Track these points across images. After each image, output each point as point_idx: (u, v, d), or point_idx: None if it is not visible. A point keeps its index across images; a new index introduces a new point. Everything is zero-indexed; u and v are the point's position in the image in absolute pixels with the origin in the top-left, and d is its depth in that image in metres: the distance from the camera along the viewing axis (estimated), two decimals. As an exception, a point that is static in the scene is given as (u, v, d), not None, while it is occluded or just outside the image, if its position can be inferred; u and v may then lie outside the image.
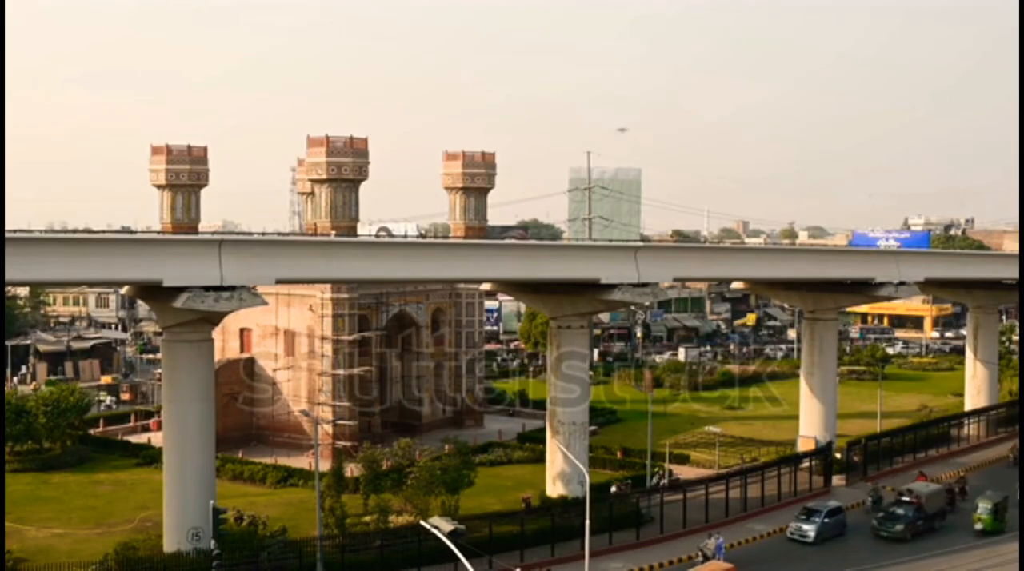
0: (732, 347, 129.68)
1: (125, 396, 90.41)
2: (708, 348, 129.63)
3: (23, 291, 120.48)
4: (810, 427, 67.54)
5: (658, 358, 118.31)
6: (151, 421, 75.80)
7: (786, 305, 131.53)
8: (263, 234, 57.54)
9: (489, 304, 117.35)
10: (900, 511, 53.28)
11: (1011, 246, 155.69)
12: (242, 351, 74.19)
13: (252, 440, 71.96)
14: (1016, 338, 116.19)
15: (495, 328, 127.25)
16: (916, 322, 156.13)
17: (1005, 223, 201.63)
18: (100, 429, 75.26)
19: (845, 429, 71.72)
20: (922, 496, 54.08)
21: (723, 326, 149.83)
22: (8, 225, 39.30)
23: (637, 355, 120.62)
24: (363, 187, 69.99)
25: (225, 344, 73.27)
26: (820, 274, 65.69)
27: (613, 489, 57.11)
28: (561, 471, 56.41)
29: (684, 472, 63.15)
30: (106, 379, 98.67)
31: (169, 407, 46.46)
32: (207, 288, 42.81)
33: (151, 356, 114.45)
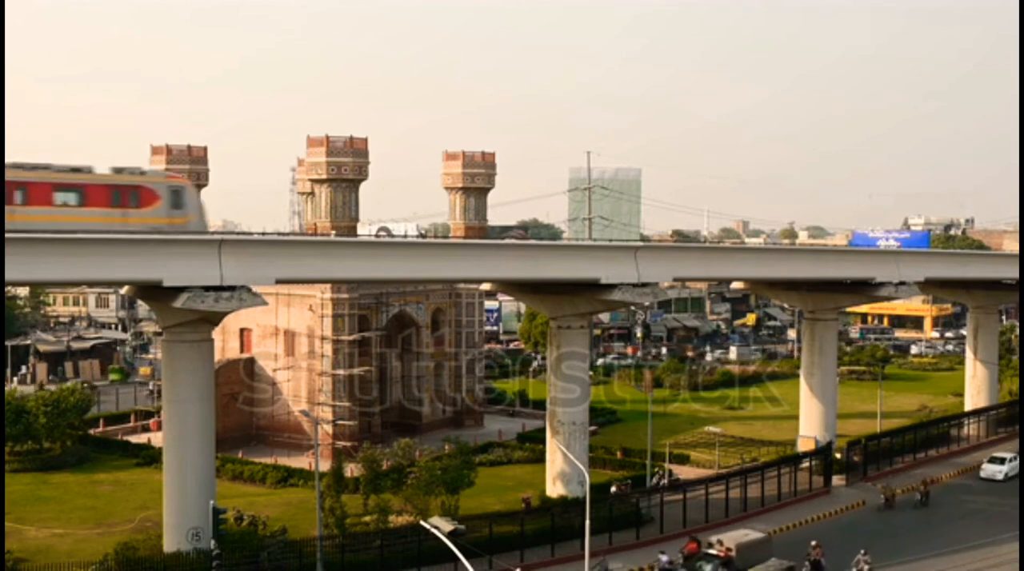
0: (791, 346, 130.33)
1: None
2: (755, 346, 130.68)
3: (23, 291, 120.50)
4: (810, 427, 67.54)
5: (708, 356, 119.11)
6: (151, 421, 75.83)
7: (786, 305, 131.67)
8: (263, 234, 57.42)
9: (489, 304, 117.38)
10: (707, 567, 44.67)
11: (1011, 246, 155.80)
12: (242, 351, 74.18)
13: (252, 440, 71.95)
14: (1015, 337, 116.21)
15: (495, 328, 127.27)
16: (916, 322, 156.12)
17: (1005, 223, 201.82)
18: (100, 429, 75.25)
19: (845, 429, 71.73)
20: (732, 548, 44.92)
21: (723, 326, 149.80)
22: (8, 225, 39.24)
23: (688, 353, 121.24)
24: (363, 187, 70.12)
25: (225, 344, 73.28)
26: (820, 274, 65.68)
27: (613, 489, 57.10)
28: (561, 471, 56.42)
29: (684, 472, 63.18)
30: (145, 371, 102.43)
31: (169, 407, 46.45)
32: (207, 288, 42.79)
33: (145, 356, 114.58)
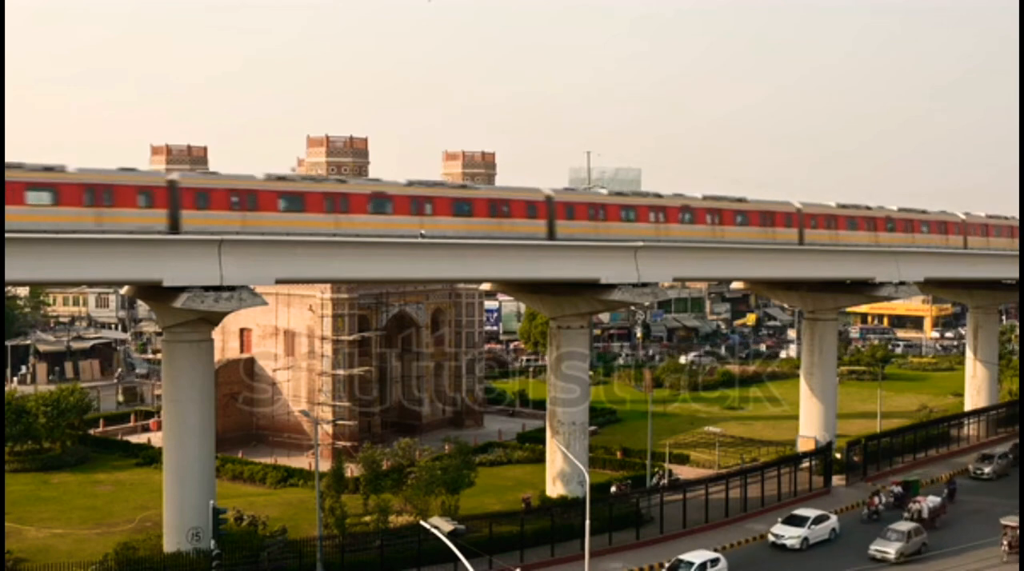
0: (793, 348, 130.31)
1: None
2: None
3: (23, 291, 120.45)
4: (810, 427, 67.53)
5: (788, 351, 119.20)
6: (151, 421, 75.82)
7: (786, 305, 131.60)
8: (263, 234, 57.39)
9: (489, 304, 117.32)
10: None
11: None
12: (242, 351, 74.18)
13: (252, 440, 71.95)
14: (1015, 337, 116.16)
15: (495, 328, 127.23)
16: (916, 322, 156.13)
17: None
18: (100, 429, 75.24)
19: (845, 429, 71.73)
20: None
21: (723, 326, 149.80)
22: (8, 225, 39.21)
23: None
24: (363, 187, 69.92)
25: (225, 344, 73.26)
26: (820, 274, 65.69)
27: (613, 489, 57.12)
28: (561, 471, 56.41)
29: (684, 472, 63.18)
30: None
31: (169, 407, 46.45)
32: (207, 288, 42.82)
33: (147, 356, 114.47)
